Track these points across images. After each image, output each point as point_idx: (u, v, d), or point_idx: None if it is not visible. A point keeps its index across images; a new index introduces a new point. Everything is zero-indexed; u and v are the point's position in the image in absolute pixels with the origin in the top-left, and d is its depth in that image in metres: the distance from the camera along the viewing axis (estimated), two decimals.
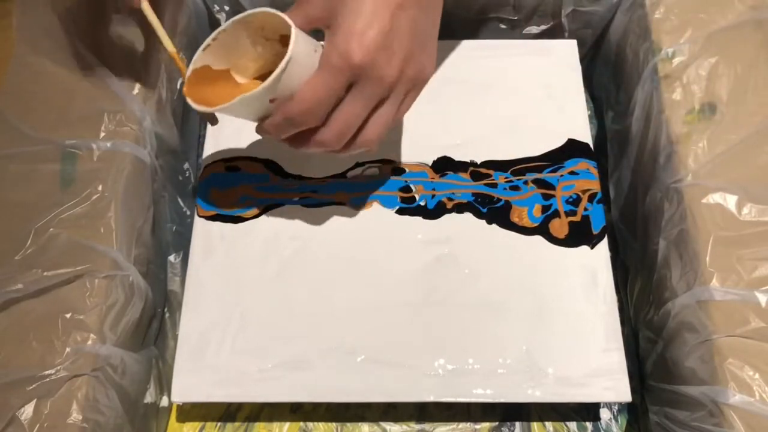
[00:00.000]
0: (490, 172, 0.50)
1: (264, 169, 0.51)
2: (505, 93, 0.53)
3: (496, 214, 0.49)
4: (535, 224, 0.48)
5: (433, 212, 0.49)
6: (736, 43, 0.47)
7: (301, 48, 0.36)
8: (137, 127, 0.46)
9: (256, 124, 0.40)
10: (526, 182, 0.50)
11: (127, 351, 0.43)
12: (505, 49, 0.55)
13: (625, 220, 0.53)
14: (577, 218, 0.48)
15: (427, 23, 0.38)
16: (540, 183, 0.50)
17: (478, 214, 0.49)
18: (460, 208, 0.49)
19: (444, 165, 0.51)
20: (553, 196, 0.49)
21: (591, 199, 0.49)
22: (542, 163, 0.51)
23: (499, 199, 0.49)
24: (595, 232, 0.48)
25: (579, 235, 0.48)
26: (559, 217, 0.49)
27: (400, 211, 0.49)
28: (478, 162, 0.51)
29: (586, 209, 0.49)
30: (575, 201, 0.49)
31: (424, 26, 0.38)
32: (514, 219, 0.49)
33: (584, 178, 0.50)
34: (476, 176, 0.50)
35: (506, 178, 0.50)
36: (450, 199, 0.49)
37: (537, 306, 0.46)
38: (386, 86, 0.36)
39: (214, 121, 0.46)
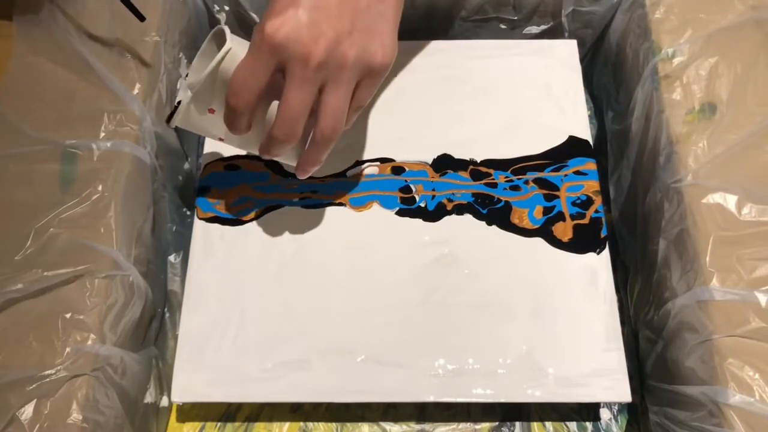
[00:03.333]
0: (490, 171, 0.50)
1: (264, 167, 0.51)
2: (505, 93, 0.53)
3: (496, 215, 0.49)
4: (536, 226, 0.48)
5: (434, 214, 0.49)
6: (736, 43, 0.47)
7: (243, 48, 0.37)
8: (137, 127, 0.46)
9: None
10: (526, 182, 0.50)
11: (127, 351, 0.43)
12: (505, 49, 0.55)
13: (625, 220, 0.53)
14: (585, 221, 0.48)
15: (378, 7, 0.38)
16: (542, 183, 0.50)
17: (479, 216, 0.49)
18: (460, 210, 0.49)
19: (444, 163, 0.51)
20: (556, 197, 0.49)
21: (602, 201, 0.49)
22: (543, 162, 0.51)
23: (500, 200, 0.49)
24: (602, 236, 0.48)
25: (585, 240, 0.48)
26: (564, 219, 0.48)
27: (400, 213, 0.49)
28: (478, 161, 0.51)
29: (597, 212, 0.49)
30: (584, 203, 0.49)
31: (369, 9, 0.37)
32: (515, 220, 0.49)
33: (593, 179, 0.50)
34: (476, 175, 0.50)
35: (506, 177, 0.50)
36: (450, 200, 0.49)
37: (537, 306, 0.46)
38: (314, 67, 0.35)
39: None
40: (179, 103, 0.40)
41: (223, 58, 0.37)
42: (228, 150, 0.52)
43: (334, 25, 0.35)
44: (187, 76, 0.42)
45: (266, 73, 0.36)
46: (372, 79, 0.38)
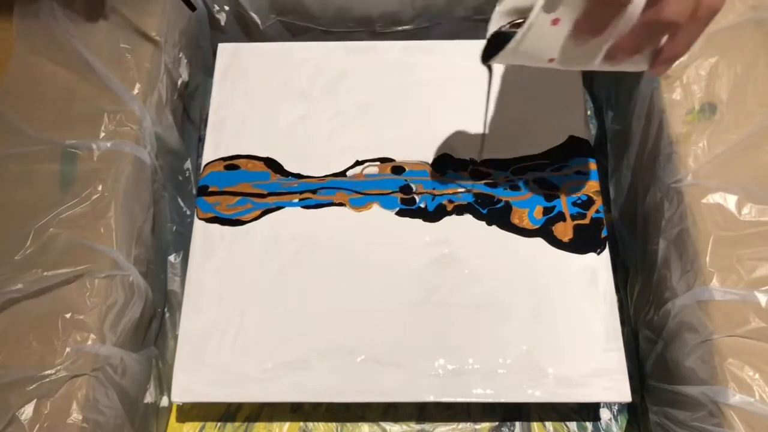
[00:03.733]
0: (490, 171, 0.50)
1: (264, 167, 0.51)
2: (505, 93, 0.53)
3: (497, 215, 0.49)
4: (536, 226, 0.48)
5: (434, 214, 0.49)
6: (736, 43, 0.47)
7: None
8: (137, 127, 0.46)
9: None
10: (526, 182, 0.50)
11: (127, 351, 0.43)
12: None
13: (625, 220, 0.53)
14: (585, 221, 0.48)
15: None
16: (542, 183, 0.50)
17: (479, 216, 0.49)
18: (460, 210, 0.49)
19: (444, 163, 0.51)
20: (557, 197, 0.49)
21: (602, 202, 0.49)
22: (543, 162, 0.50)
23: (500, 200, 0.49)
24: (603, 236, 0.48)
25: (585, 240, 0.48)
26: (564, 220, 0.48)
27: (400, 213, 0.49)
28: (478, 161, 0.51)
29: (597, 212, 0.48)
30: (584, 203, 0.49)
31: None
32: (515, 221, 0.49)
33: (593, 179, 0.50)
34: (476, 175, 0.50)
35: (506, 177, 0.50)
36: (450, 201, 0.49)
37: (537, 306, 0.46)
38: None
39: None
40: (497, 34, 0.34)
41: None
42: (228, 150, 0.52)
43: None
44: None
45: None
46: None
